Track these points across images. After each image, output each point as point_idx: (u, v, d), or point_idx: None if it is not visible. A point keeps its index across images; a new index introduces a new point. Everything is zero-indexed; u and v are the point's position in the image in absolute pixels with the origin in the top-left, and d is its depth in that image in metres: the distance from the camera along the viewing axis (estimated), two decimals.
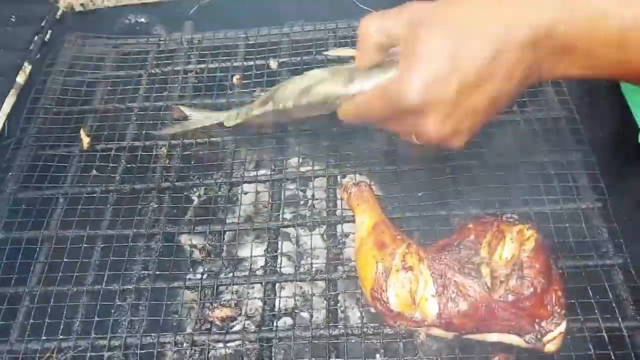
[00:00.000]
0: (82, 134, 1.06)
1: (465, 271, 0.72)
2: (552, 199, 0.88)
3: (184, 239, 0.95)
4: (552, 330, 0.70)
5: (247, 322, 0.85)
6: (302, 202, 1.00)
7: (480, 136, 0.95)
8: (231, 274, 0.86)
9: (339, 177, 0.97)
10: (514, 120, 0.99)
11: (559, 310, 0.70)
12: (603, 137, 0.96)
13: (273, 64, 1.15)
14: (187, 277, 0.87)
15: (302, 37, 1.20)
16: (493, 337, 0.72)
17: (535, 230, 0.75)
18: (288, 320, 0.87)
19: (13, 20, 1.23)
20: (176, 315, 0.86)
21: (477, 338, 0.73)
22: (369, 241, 0.79)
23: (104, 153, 1.03)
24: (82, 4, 1.35)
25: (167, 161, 1.01)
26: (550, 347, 0.71)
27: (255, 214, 0.96)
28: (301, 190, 0.99)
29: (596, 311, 0.76)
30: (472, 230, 0.76)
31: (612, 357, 0.72)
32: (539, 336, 0.70)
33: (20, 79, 1.14)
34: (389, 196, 0.93)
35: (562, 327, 0.70)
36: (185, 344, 0.79)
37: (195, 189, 0.98)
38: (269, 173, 0.97)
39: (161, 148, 1.04)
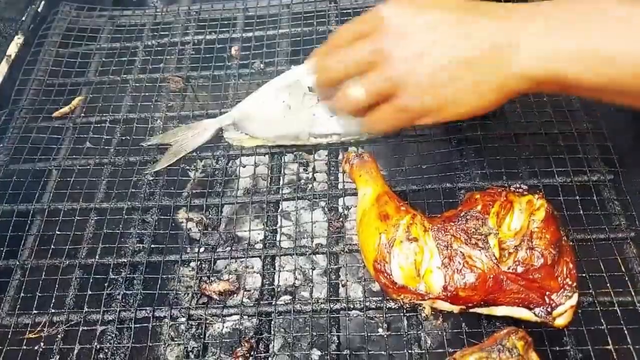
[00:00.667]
0: (75, 102, 1.03)
1: (472, 242, 0.69)
2: (562, 170, 0.85)
3: (181, 213, 0.92)
4: (563, 304, 0.67)
5: (245, 296, 0.82)
6: (302, 176, 0.96)
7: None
8: (229, 248, 0.83)
9: (340, 150, 0.93)
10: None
11: (570, 283, 0.67)
12: (614, 107, 0.92)
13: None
14: (184, 250, 0.84)
15: (303, 8, 1.17)
16: (501, 311, 0.69)
17: (545, 201, 0.72)
18: (288, 295, 0.85)
19: None
20: (172, 290, 0.83)
21: (484, 312, 0.71)
22: (371, 212, 0.76)
23: (98, 125, 1.00)
24: None
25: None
26: (560, 321, 0.68)
27: (254, 188, 0.92)
28: (301, 164, 0.96)
29: (608, 285, 0.73)
30: (480, 201, 0.73)
31: (625, 332, 0.70)
32: (549, 309, 0.67)
33: (12, 49, 1.10)
34: (393, 169, 0.89)
35: (574, 300, 0.67)
36: (181, 318, 0.77)
37: (192, 163, 0.94)
38: (268, 145, 0.94)
39: (157, 121, 1.00)
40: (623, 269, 0.75)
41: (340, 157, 0.93)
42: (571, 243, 0.74)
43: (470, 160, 0.89)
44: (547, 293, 0.67)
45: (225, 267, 0.84)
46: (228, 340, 0.80)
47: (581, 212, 0.81)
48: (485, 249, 0.68)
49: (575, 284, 0.67)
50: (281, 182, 0.91)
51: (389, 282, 0.71)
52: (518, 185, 0.75)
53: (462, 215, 0.72)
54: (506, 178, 0.85)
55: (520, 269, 0.67)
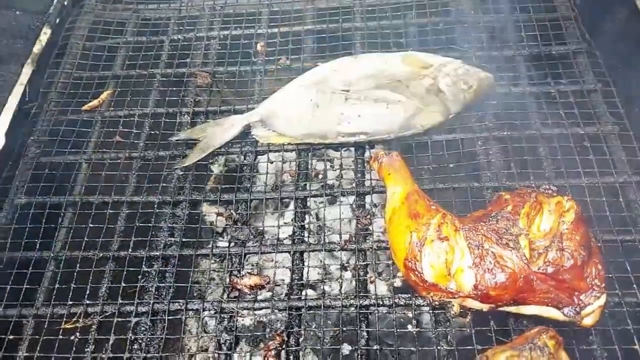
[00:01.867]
0: (104, 95, 1.05)
1: (503, 242, 0.70)
2: (589, 172, 0.86)
3: (210, 207, 0.93)
4: (592, 304, 0.68)
5: (275, 290, 0.83)
6: (329, 173, 0.98)
7: (513, 106, 0.94)
8: (258, 243, 0.84)
9: (367, 147, 0.95)
10: (548, 92, 0.96)
11: (598, 284, 0.68)
12: None
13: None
14: (215, 245, 0.85)
15: (327, 4, 1.17)
16: (530, 310, 0.71)
17: (574, 202, 0.73)
18: (317, 290, 0.86)
19: None
20: (204, 283, 0.84)
21: (513, 311, 0.72)
22: (402, 211, 0.77)
23: (127, 119, 1.01)
24: None
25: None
26: (588, 321, 0.69)
27: (282, 183, 0.93)
28: (328, 161, 0.97)
29: (634, 286, 0.75)
30: (510, 202, 0.74)
31: None
32: (577, 309, 0.68)
33: (40, 43, 1.11)
34: (420, 167, 0.90)
35: (602, 300, 0.69)
36: (213, 311, 0.78)
37: (220, 157, 0.96)
38: (295, 142, 0.95)
39: (184, 116, 1.02)
40: None
41: (367, 154, 0.94)
42: (599, 244, 0.76)
43: (496, 160, 0.89)
44: (576, 293, 0.68)
45: (256, 262, 0.85)
46: (258, 333, 0.82)
47: (607, 213, 0.82)
48: (516, 249, 0.69)
49: (603, 285, 0.69)
50: (308, 179, 0.92)
51: (420, 280, 0.72)
52: (547, 187, 0.76)
53: (492, 215, 0.73)
54: (533, 178, 0.86)
55: (550, 270, 0.68)
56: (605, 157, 0.88)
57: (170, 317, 0.78)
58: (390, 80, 0.93)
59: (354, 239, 0.83)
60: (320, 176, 0.94)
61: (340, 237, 0.83)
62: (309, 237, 0.85)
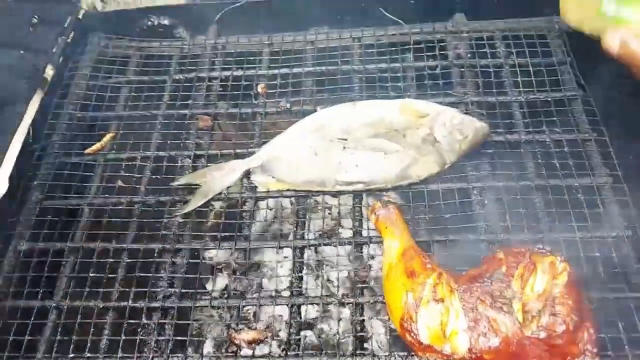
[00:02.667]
0: (106, 138, 1.06)
1: (497, 305, 0.72)
2: (582, 225, 0.87)
3: (209, 255, 0.95)
4: None
5: (273, 345, 0.85)
6: (327, 221, 0.99)
7: (509, 155, 0.95)
8: (257, 294, 0.86)
9: (364, 195, 0.96)
10: (543, 141, 0.98)
11: (590, 349, 0.70)
12: (635, 161, 0.94)
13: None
14: (213, 295, 0.87)
15: (328, 44, 1.19)
16: None
17: (567, 264, 0.74)
18: (315, 344, 0.87)
19: (35, 21, 1.21)
20: (202, 336, 0.85)
21: None
22: (398, 268, 0.79)
23: (129, 163, 1.03)
24: (103, 6, 1.35)
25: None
26: None
27: (280, 231, 0.95)
28: (327, 208, 0.98)
29: (625, 347, 0.76)
30: (504, 262, 0.76)
31: None
32: None
33: (44, 83, 1.13)
34: (416, 217, 0.92)
35: None
36: None
37: (220, 203, 0.97)
38: (295, 188, 0.96)
39: (186, 159, 1.03)
40: None
41: (364, 201, 0.96)
42: (591, 303, 0.77)
43: (492, 211, 0.91)
44: (569, 358, 0.70)
45: (254, 315, 0.86)
46: None
47: (601, 269, 0.83)
48: (510, 313, 0.71)
49: (595, 350, 0.70)
50: (307, 227, 0.93)
51: (416, 341, 0.73)
52: (540, 246, 0.77)
53: (487, 276, 0.75)
54: (527, 231, 0.87)
55: (543, 335, 0.69)
56: (599, 210, 0.89)
57: None
58: (387, 129, 0.94)
59: (351, 292, 0.84)
60: (319, 224, 0.95)
61: (338, 290, 0.85)
62: (307, 289, 0.86)
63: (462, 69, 1.10)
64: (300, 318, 0.84)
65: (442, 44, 1.14)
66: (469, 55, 1.12)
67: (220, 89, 1.14)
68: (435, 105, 0.98)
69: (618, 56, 0.66)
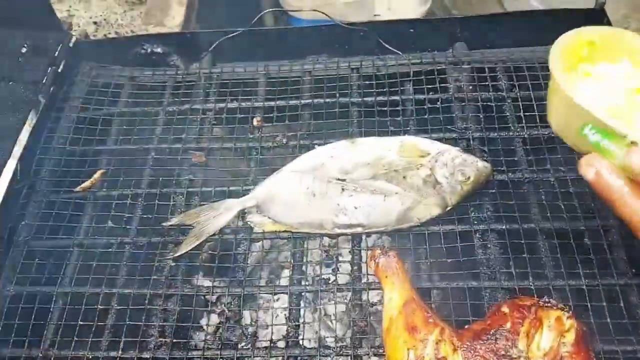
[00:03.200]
0: (96, 175, 1.03)
1: None
2: (589, 273, 0.84)
3: (202, 300, 0.92)
4: None
5: None
6: (325, 265, 0.96)
7: (512, 196, 0.92)
8: (250, 346, 0.83)
9: (363, 237, 0.93)
10: (547, 180, 0.95)
11: None
12: None
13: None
14: (206, 345, 0.84)
15: (325, 74, 1.16)
16: None
17: (574, 320, 0.71)
18: None
19: (24, 50, 1.18)
20: None
21: None
22: (399, 322, 0.76)
23: (120, 201, 1.00)
24: (96, 29, 1.32)
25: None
26: None
27: (276, 275, 0.92)
28: (325, 251, 0.95)
29: None
30: (509, 317, 0.73)
31: None
32: None
33: (33, 116, 1.09)
34: (417, 261, 0.89)
35: None
36: None
37: (214, 245, 0.94)
38: (291, 230, 0.93)
39: (178, 196, 1.00)
40: None
41: (363, 244, 0.92)
42: (599, 356, 0.74)
43: (495, 256, 0.88)
44: None
45: None
46: None
47: (608, 319, 0.80)
48: None
49: None
50: (303, 271, 0.90)
51: None
52: (547, 300, 0.74)
53: (491, 333, 0.72)
54: (532, 279, 0.84)
55: None
56: (605, 256, 0.86)
57: None
58: (387, 170, 0.91)
59: (350, 343, 0.81)
60: (317, 268, 0.92)
61: (336, 341, 0.82)
62: (303, 339, 0.83)
63: (464, 103, 1.07)
64: None
65: (442, 75, 1.11)
66: (470, 87, 1.09)
67: (215, 122, 1.11)
68: (437, 143, 0.95)
69: (591, 183, 0.64)
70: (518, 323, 0.72)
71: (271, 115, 1.10)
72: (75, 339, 0.84)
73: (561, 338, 0.70)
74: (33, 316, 0.87)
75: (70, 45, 1.23)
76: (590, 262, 0.85)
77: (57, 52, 1.20)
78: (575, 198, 0.92)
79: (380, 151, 0.94)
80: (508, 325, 0.72)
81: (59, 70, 1.19)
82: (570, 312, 0.72)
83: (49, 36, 1.22)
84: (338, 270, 0.91)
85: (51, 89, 1.15)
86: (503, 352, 0.70)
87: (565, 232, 0.89)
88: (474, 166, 0.91)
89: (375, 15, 1.72)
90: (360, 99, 1.10)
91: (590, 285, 0.83)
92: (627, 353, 0.78)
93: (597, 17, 1.13)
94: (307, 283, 0.89)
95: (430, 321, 0.75)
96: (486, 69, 1.11)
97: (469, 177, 0.90)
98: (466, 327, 0.76)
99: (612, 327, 0.79)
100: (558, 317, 0.71)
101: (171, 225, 0.95)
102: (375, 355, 0.80)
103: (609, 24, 1.13)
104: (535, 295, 0.82)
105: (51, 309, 0.88)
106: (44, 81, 1.15)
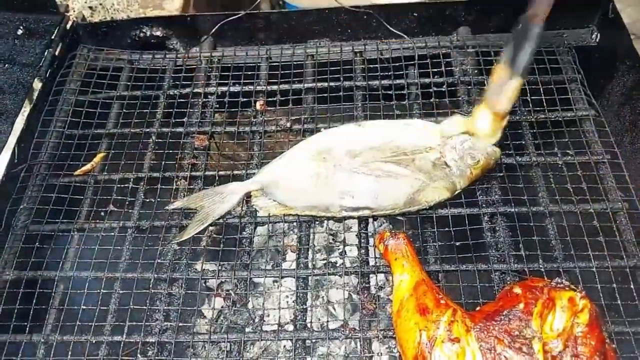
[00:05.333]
0: (97, 159, 1.01)
1: (516, 346, 0.68)
2: (598, 254, 0.84)
3: (208, 285, 0.90)
4: None
5: None
6: (332, 248, 0.95)
7: (520, 179, 0.92)
8: (258, 329, 0.81)
9: (370, 220, 0.92)
10: (555, 164, 0.94)
11: None
12: None
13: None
14: (212, 329, 0.82)
15: (329, 57, 1.14)
16: None
17: (587, 300, 0.70)
18: None
19: (21, 32, 1.15)
20: None
21: None
22: (410, 304, 0.75)
23: (121, 185, 0.98)
24: (92, 13, 1.29)
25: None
26: None
27: (282, 260, 0.90)
28: (331, 235, 0.94)
29: None
30: (521, 298, 0.72)
31: None
32: None
33: (30, 99, 1.07)
34: (425, 244, 0.88)
35: None
36: None
37: (218, 229, 0.92)
38: (297, 213, 0.92)
39: (181, 180, 0.98)
40: None
41: (370, 228, 0.91)
42: (613, 345, 0.73)
43: (504, 239, 0.87)
44: None
45: (255, 350, 0.81)
46: None
47: (619, 301, 0.80)
48: (530, 354, 0.67)
49: None
50: (310, 256, 0.89)
51: None
52: (559, 281, 0.73)
53: (504, 314, 0.71)
54: (542, 261, 0.84)
55: None
56: (615, 239, 0.86)
57: None
58: (395, 153, 0.90)
59: (358, 326, 0.80)
60: (324, 252, 0.90)
61: (345, 324, 0.80)
62: (311, 322, 0.82)
63: (469, 87, 1.06)
64: (306, 354, 0.79)
65: (447, 59, 1.10)
66: (475, 71, 1.08)
67: (217, 106, 1.09)
68: (446, 126, 0.93)
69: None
70: (531, 304, 0.71)
71: (274, 99, 1.08)
72: (78, 323, 0.82)
73: (574, 319, 0.69)
74: (34, 301, 0.85)
75: (67, 28, 1.21)
76: (599, 244, 0.85)
77: (54, 35, 1.17)
78: (583, 181, 0.91)
79: (388, 135, 0.92)
80: (521, 306, 0.71)
81: (56, 53, 1.16)
82: (583, 292, 0.71)
83: (46, 18, 1.19)
84: (345, 253, 0.90)
85: (48, 72, 1.13)
86: (517, 333, 0.69)
87: (575, 215, 0.88)
88: (484, 150, 0.90)
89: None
90: (364, 83, 1.08)
91: (600, 267, 0.83)
92: (638, 334, 0.77)
93: (599, 1, 1.12)
94: (313, 266, 0.87)
95: (442, 302, 0.74)
96: (492, 53, 1.09)
97: (478, 161, 0.89)
98: (478, 308, 0.75)
99: (623, 309, 0.79)
100: (571, 297, 0.71)
101: (174, 209, 0.93)
102: (384, 337, 0.79)
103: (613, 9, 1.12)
104: (546, 277, 0.81)
105: (52, 294, 0.87)
106: (41, 64, 1.13)
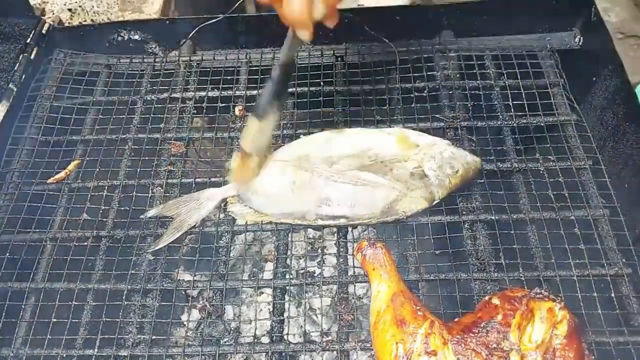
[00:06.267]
0: (71, 166, 0.99)
1: (494, 359, 0.67)
2: (579, 263, 0.83)
3: (183, 295, 0.88)
4: None
5: None
6: (310, 258, 0.93)
7: (500, 186, 0.90)
8: (233, 342, 0.79)
9: (349, 229, 0.90)
10: (537, 170, 0.93)
11: None
12: (631, 191, 0.90)
13: None
14: (187, 342, 0.80)
15: (309, 61, 1.12)
16: None
17: (567, 311, 0.69)
18: None
19: None
20: None
21: None
22: (387, 316, 0.73)
23: (96, 193, 0.96)
24: (71, 16, 1.27)
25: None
26: None
27: (259, 269, 0.88)
28: (310, 243, 0.92)
29: None
30: (500, 309, 0.71)
31: None
32: None
33: (4, 104, 1.05)
34: (405, 253, 0.86)
35: None
36: None
37: (194, 238, 0.90)
38: (274, 223, 0.90)
39: (157, 187, 0.96)
40: None
41: (349, 236, 0.90)
42: (592, 355, 0.72)
43: (484, 247, 0.86)
44: None
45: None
46: None
47: (599, 310, 0.79)
48: None
49: None
50: (288, 264, 0.87)
51: None
52: (538, 291, 0.72)
53: (482, 325, 0.69)
54: (522, 270, 0.82)
55: None
56: (596, 246, 0.85)
57: None
58: (373, 162, 0.89)
59: (336, 337, 0.79)
60: (302, 261, 0.89)
61: (322, 336, 0.79)
62: (288, 334, 0.80)
63: (451, 91, 1.04)
64: None
65: (429, 63, 1.08)
66: (457, 76, 1.07)
67: (195, 111, 1.07)
68: (426, 136, 0.92)
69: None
70: (509, 315, 0.70)
71: (253, 104, 1.06)
72: (48, 337, 0.80)
73: (553, 330, 0.68)
74: (3, 314, 0.83)
75: (43, 32, 1.18)
76: (580, 252, 0.84)
77: (29, 39, 1.15)
78: (565, 187, 0.90)
79: (367, 143, 0.91)
80: (499, 317, 0.70)
81: (31, 58, 1.14)
82: (562, 303, 0.70)
83: (21, 22, 1.17)
84: (323, 263, 0.88)
85: (23, 77, 1.10)
86: (495, 345, 0.68)
87: (556, 222, 0.87)
88: (463, 159, 0.89)
89: (359, 4, 1.68)
90: (345, 88, 1.07)
91: (581, 276, 0.82)
92: (619, 344, 0.76)
93: (582, 4, 1.11)
94: (291, 276, 0.86)
95: (420, 314, 0.72)
96: (474, 57, 1.08)
97: (457, 171, 0.87)
98: (456, 320, 0.74)
99: (603, 318, 0.78)
100: (550, 308, 0.70)
101: (150, 217, 0.91)
102: (362, 349, 0.77)
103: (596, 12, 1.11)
104: (526, 287, 0.80)
105: (23, 306, 0.84)
106: (15, 69, 1.10)
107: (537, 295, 0.72)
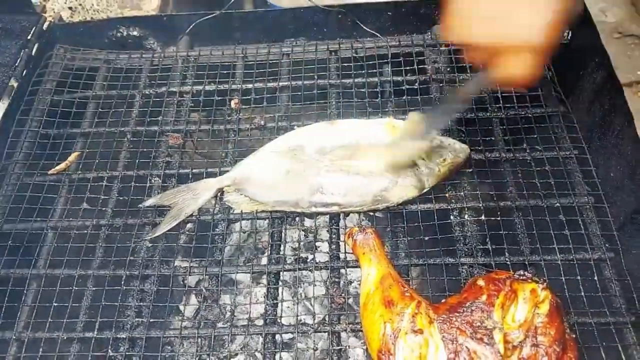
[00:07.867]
0: (71, 158, 1.02)
1: (477, 336, 0.69)
2: (564, 247, 0.85)
3: (179, 281, 0.91)
4: None
5: None
6: (304, 244, 0.96)
7: (489, 175, 0.93)
8: (229, 324, 0.82)
9: (342, 216, 0.93)
10: (524, 159, 0.95)
11: None
12: (616, 179, 0.92)
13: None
14: (183, 325, 0.83)
15: (304, 56, 1.15)
16: None
17: (549, 291, 0.72)
18: None
19: None
20: None
21: None
22: (376, 297, 0.76)
23: (95, 184, 0.98)
24: (71, 14, 1.30)
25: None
26: None
27: (254, 256, 0.91)
28: (303, 230, 0.95)
29: None
30: (484, 290, 0.73)
31: None
32: None
33: (5, 99, 1.07)
34: (395, 239, 0.89)
35: None
36: None
37: (191, 226, 0.93)
38: (269, 210, 0.93)
39: (155, 178, 0.99)
40: (623, 357, 0.76)
41: (342, 223, 0.92)
42: (573, 335, 0.74)
43: (471, 233, 0.88)
44: None
45: (225, 346, 0.82)
46: None
47: (582, 293, 0.81)
48: (491, 344, 0.68)
49: None
50: (282, 251, 0.90)
51: None
52: (522, 273, 0.75)
53: (467, 305, 0.72)
54: (508, 255, 0.85)
55: None
56: (581, 232, 0.87)
57: None
58: (364, 151, 0.91)
59: (327, 319, 0.81)
60: (295, 247, 0.91)
61: (314, 317, 0.81)
62: (281, 317, 0.83)
63: (442, 84, 1.07)
64: (275, 345, 0.80)
65: (420, 57, 1.11)
66: (448, 69, 1.09)
67: (192, 105, 1.10)
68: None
69: None
70: (493, 295, 0.72)
71: (249, 97, 1.09)
72: (49, 320, 0.83)
73: (536, 309, 0.70)
74: (6, 299, 0.86)
75: (44, 28, 1.21)
76: (565, 238, 0.86)
77: (30, 35, 1.18)
78: (551, 176, 0.93)
79: (359, 133, 0.94)
80: (484, 297, 0.72)
81: (32, 54, 1.16)
82: (545, 284, 0.73)
83: (22, 19, 1.20)
84: (316, 249, 0.91)
85: (24, 72, 1.13)
86: (479, 324, 0.70)
87: (542, 209, 0.89)
88: (452, 148, 0.91)
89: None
90: (338, 81, 1.09)
91: (565, 260, 0.84)
92: (601, 325, 0.79)
93: None
94: (285, 262, 0.88)
95: (407, 295, 0.75)
96: (464, 51, 1.10)
97: (445, 159, 0.90)
98: (443, 300, 0.76)
99: (586, 301, 0.80)
100: (533, 289, 0.72)
101: (148, 207, 0.94)
102: (352, 331, 0.80)
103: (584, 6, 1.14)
104: (512, 271, 0.82)
105: (25, 292, 0.87)
106: (16, 64, 1.13)
107: (521, 277, 0.74)
